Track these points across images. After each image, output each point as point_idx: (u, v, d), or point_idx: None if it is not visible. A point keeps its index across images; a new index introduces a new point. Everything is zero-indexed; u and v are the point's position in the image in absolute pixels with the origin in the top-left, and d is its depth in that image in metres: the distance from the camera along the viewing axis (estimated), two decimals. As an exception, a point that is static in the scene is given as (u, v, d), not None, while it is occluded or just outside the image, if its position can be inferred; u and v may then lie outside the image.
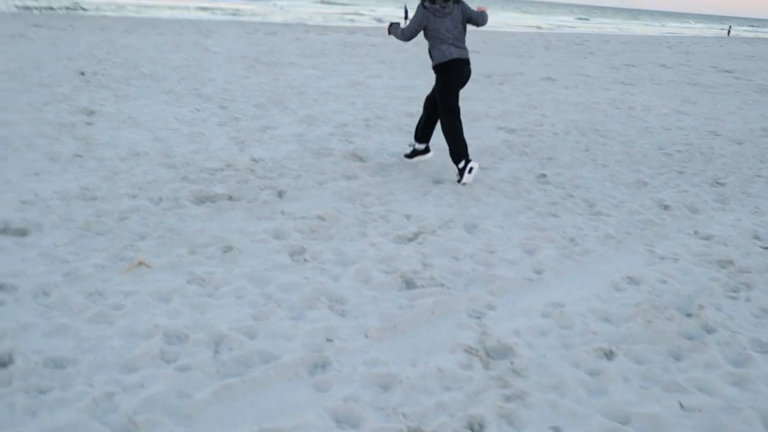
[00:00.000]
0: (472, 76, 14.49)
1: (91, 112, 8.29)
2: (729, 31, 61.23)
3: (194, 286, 4.04)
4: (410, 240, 5.05)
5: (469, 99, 11.52)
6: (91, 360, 3.22)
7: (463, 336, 3.68)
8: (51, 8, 26.01)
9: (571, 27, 53.19)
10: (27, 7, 25.12)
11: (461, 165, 6.50)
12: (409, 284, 4.30)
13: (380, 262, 4.58)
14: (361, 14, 46.16)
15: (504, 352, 3.57)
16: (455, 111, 6.52)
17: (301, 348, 3.46)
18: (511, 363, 3.44)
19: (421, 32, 6.43)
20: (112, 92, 9.67)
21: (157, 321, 3.59)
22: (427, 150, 7.12)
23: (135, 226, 4.87)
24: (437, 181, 6.55)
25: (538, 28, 47.04)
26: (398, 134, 8.42)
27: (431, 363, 3.39)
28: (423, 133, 6.98)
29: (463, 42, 6.47)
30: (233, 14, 33.67)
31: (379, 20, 39.55)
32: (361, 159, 7.15)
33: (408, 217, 5.52)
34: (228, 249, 4.60)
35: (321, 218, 5.31)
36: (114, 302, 3.77)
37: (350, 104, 10.25)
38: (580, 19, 78.79)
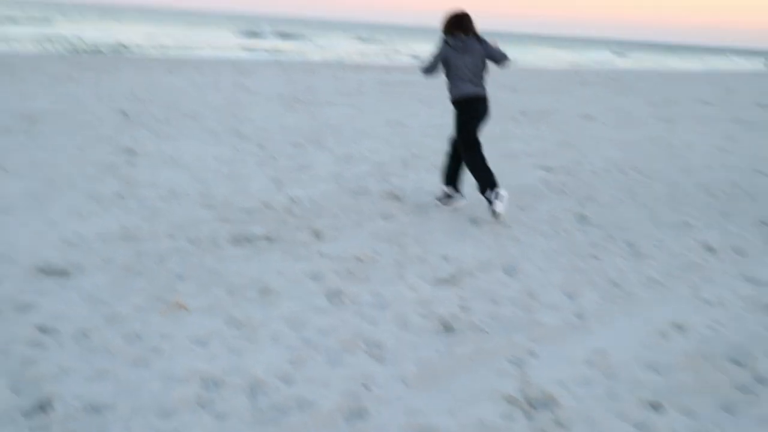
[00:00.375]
0: (509, 113, 14.53)
1: (133, 152, 8.42)
2: None
3: (232, 329, 4.03)
4: (448, 282, 4.99)
5: (505, 137, 11.49)
6: (129, 405, 3.20)
7: (504, 384, 3.60)
8: (99, 51, 26.73)
9: (605, 62, 53.04)
10: (75, 50, 25.85)
11: (490, 195, 6.43)
12: (448, 329, 4.23)
13: (418, 305, 4.53)
14: (399, 52, 46.64)
15: (546, 402, 3.47)
16: (475, 146, 6.53)
17: (337, 395, 3.40)
18: (554, 414, 3.35)
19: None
20: (153, 132, 9.84)
21: (195, 365, 3.58)
22: (457, 193, 6.99)
23: (174, 266, 4.89)
24: (475, 221, 6.49)
25: (574, 64, 46.98)
26: (435, 173, 8.41)
27: (471, 413, 3.31)
28: (450, 175, 6.91)
29: (482, 79, 6.53)
30: (272, 53, 34.25)
31: (416, 57, 39.89)
32: (398, 198, 7.13)
33: (446, 258, 5.47)
34: (266, 291, 4.58)
35: (358, 259, 5.28)
36: (152, 345, 3.77)
37: (387, 143, 10.28)
38: (615, 53, 78.57)
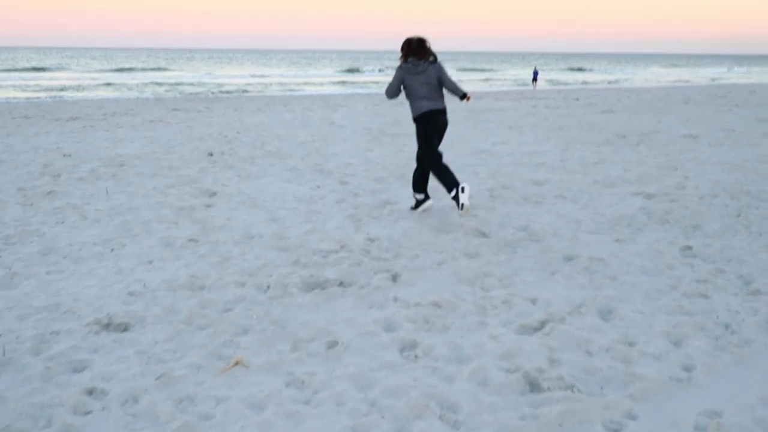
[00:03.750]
0: (607, 136, 13.82)
1: (213, 194, 8.31)
2: None
3: (292, 390, 3.67)
4: (536, 330, 4.49)
5: (602, 162, 10.83)
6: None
7: (598, 457, 3.08)
8: (195, 93, 27.53)
9: (714, 78, 50.75)
10: (179, 93, 26.69)
11: (453, 194, 7.16)
12: (534, 386, 3.75)
13: (500, 359, 4.05)
14: (497, 79, 46.08)
15: (649, 480, 2.94)
16: (436, 156, 7.26)
17: (404, 471, 2.98)
18: (659, 497, 2.81)
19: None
20: (236, 172, 9.75)
21: (248, 434, 3.23)
22: (426, 197, 7.57)
23: (238, 318, 4.60)
24: (568, 258, 5.96)
25: (678, 81, 45.15)
26: (525, 205, 7.90)
27: (558, 496, 2.81)
28: (419, 184, 7.49)
29: (440, 96, 7.18)
30: (363, 87, 34.43)
31: (515, 81, 39.25)
32: (483, 234, 6.67)
33: (533, 301, 4.97)
34: (333, 344, 4.22)
35: (436, 305, 4.86)
36: (204, 411, 3.46)
37: (474, 173, 9.83)
38: (729, 68, 75.21)
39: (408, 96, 7.17)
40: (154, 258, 5.85)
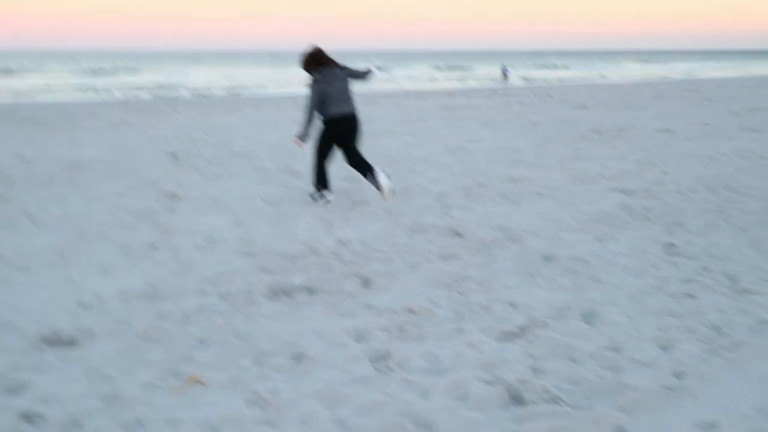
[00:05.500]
0: (582, 132, 13.61)
1: (176, 197, 7.94)
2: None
3: (253, 410, 3.34)
4: (517, 336, 4.20)
5: (579, 158, 10.61)
6: None
7: (590, 481, 2.79)
8: (162, 96, 27.00)
9: (684, 74, 51.07)
10: (151, 96, 26.14)
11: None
12: (517, 399, 3.45)
13: (480, 369, 3.76)
14: (469, 78, 45.94)
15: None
16: (327, 156, 7.50)
17: (376, 502, 2.67)
18: None
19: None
20: (201, 174, 9.38)
21: (203, 462, 2.90)
22: (329, 192, 7.66)
23: (197, 330, 4.26)
24: (548, 259, 5.69)
25: (648, 77, 45.37)
26: (503, 203, 7.63)
27: None
28: (321, 178, 7.58)
29: (351, 100, 7.43)
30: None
31: (493, 79, 39.17)
32: (459, 235, 6.38)
33: (514, 305, 4.68)
34: (300, 357, 3.90)
35: (411, 311, 4.55)
36: (154, 436, 3.12)
37: (449, 172, 9.55)
38: (695, 63, 75.98)
39: (323, 102, 7.29)
40: (109, 266, 5.48)
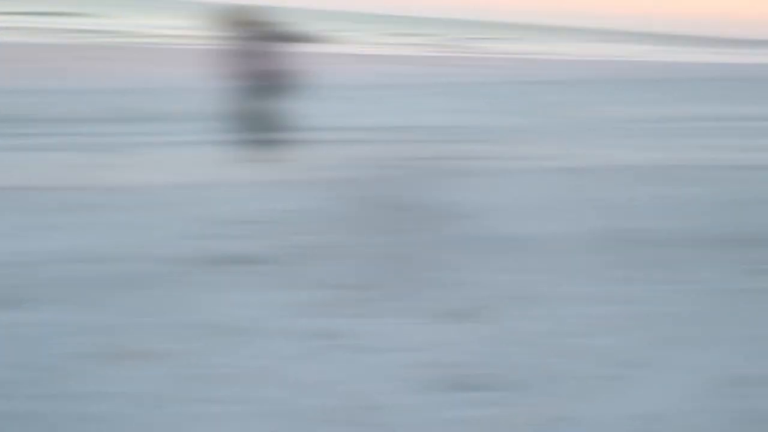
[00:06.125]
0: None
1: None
2: None
3: (192, 386, 3.21)
4: (463, 317, 4.14)
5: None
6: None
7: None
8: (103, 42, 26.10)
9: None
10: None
11: None
12: (461, 386, 3.39)
13: (423, 351, 3.68)
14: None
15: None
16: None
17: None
18: None
19: None
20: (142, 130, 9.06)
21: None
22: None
23: (132, 300, 4.08)
24: (500, 237, 5.61)
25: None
26: (453, 177, 7.56)
27: None
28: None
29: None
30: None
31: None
32: (406, 208, 6.30)
33: (462, 284, 4.62)
34: (239, 331, 3.77)
35: (356, 287, 4.45)
36: (85, 411, 2.96)
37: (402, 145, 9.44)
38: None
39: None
40: (31, 227, 5.22)
